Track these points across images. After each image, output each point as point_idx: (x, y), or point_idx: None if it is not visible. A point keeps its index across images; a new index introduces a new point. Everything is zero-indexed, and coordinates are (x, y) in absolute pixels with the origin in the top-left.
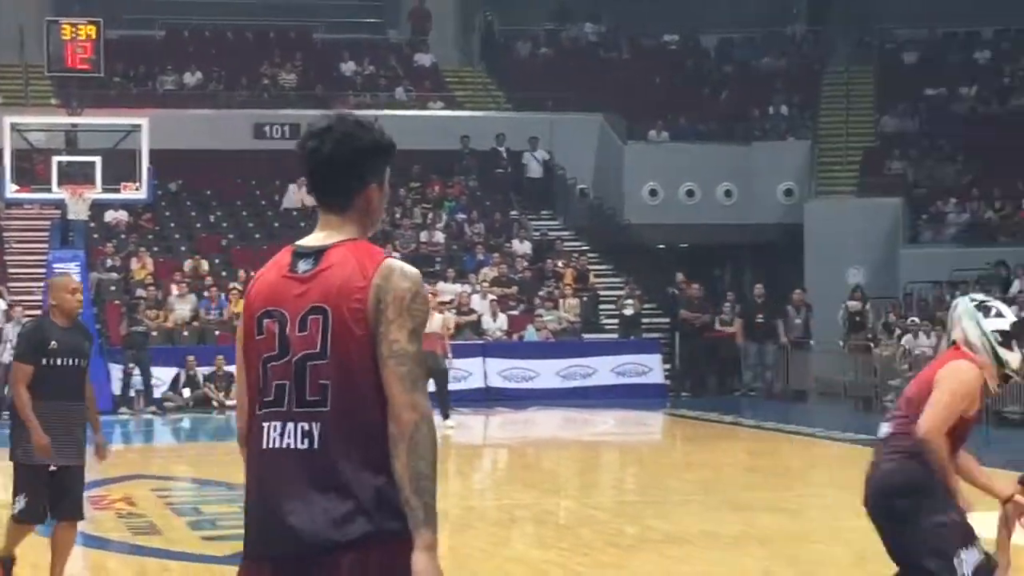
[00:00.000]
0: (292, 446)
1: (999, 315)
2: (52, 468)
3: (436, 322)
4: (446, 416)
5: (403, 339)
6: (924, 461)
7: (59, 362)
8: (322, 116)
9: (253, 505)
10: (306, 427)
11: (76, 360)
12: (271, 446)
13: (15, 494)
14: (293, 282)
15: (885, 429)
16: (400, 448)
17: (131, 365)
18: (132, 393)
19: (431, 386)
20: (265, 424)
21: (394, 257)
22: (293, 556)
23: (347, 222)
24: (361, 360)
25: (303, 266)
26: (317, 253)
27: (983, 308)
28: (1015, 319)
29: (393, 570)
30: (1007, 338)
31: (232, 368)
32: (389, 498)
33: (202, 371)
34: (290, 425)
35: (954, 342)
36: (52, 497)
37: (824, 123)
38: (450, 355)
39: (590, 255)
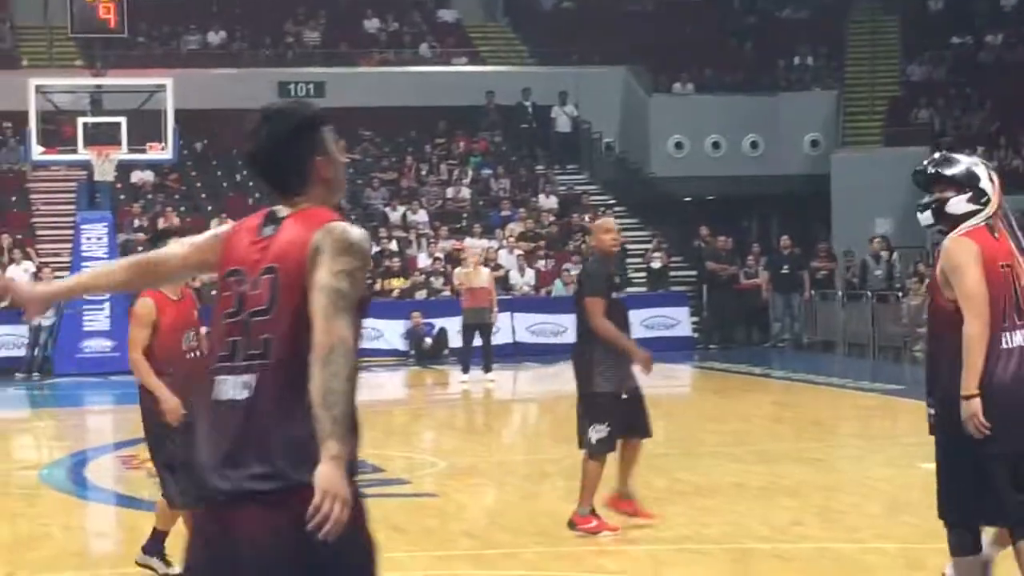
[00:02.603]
0: (235, 397)
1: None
2: (624, 396)
3: (484, 277)
4: (488, 369)
5: (326, 275)
6: None
7: (615, 296)
8: (249, 119)
9: (201, 453)
10: (246, 379)
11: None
12: (221, 398)
13: (592, 424)
14: (255, 245)
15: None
16: (314, 368)
17: None
18: None
19: (477, 339)
20: (217, 377)
21: (350, 222)
22: (220, 501)
23: (304, 197)
24: (303, 312)
25: (267, 231)
26: (280, 220)
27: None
28: None
29: (302, 518)
30: None
31: None
32: (311, 451)
33: None
34: (234, 378)
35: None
36: (629, 418)
37: (850, 73)
38: (495, 309)
39: (616, 209)
